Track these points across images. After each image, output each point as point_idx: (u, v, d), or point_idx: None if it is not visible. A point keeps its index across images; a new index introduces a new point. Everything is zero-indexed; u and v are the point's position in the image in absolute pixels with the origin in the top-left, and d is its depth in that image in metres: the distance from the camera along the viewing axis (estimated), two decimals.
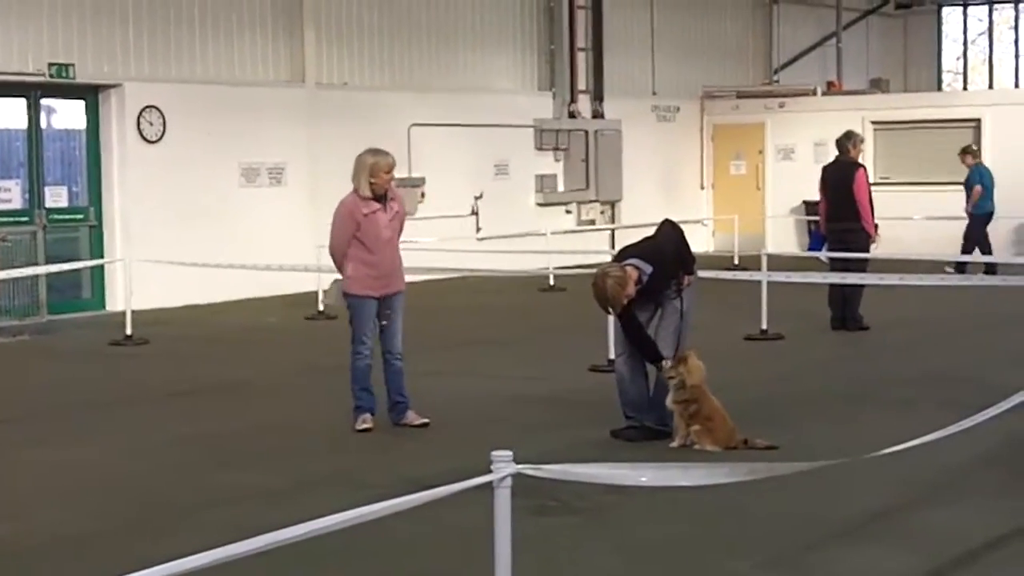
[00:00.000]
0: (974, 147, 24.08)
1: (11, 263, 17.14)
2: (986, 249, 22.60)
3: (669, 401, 10.09)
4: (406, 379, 11.17)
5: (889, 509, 8.30)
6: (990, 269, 21.59)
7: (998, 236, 24.54)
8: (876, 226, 16.54)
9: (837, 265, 16.51)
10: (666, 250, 10.41)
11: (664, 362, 10.16)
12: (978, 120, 27.79)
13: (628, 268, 10.14)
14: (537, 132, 26.10)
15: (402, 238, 11.33)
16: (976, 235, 22.88)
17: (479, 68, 25.35)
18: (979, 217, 23.08)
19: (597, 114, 27.25)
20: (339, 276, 11.22)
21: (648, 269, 10.16)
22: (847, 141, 16.79)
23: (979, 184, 23.13)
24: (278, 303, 20.02)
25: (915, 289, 17.26)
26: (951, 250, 22.55)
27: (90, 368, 14.96)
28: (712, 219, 29.25)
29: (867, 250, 16.46)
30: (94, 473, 9.79)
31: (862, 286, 16.12)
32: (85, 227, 19.70)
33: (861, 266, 16.30)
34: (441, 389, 12.70)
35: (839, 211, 16.45)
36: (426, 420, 11.04)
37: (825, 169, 17.06)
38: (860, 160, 16.94)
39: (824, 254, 17.31)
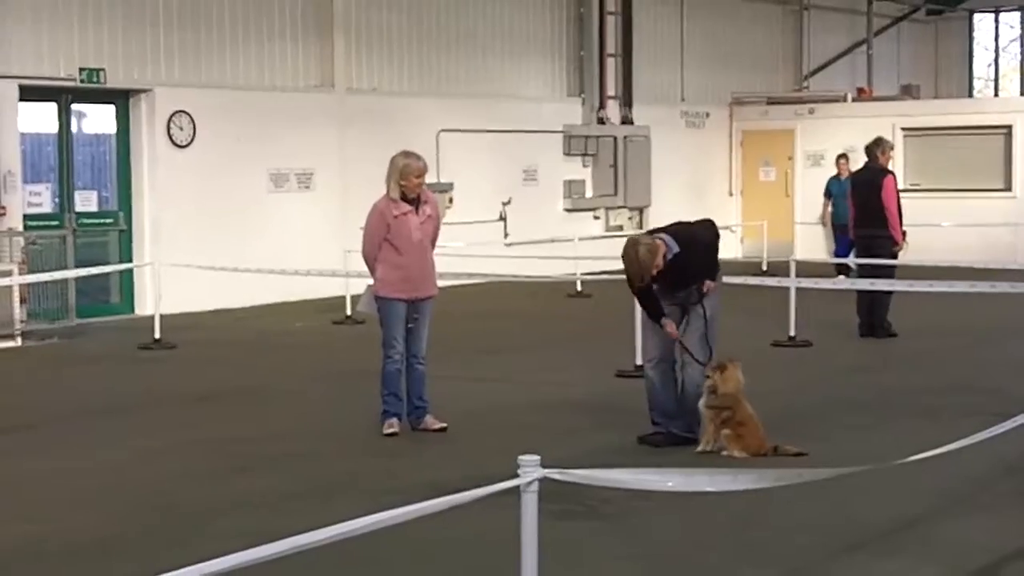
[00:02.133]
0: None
1: (41, 267, 17.19)
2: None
3: (701, 404, 10.09)
4: (431, 384, 11.19)
5: (914, 518, 8.26)
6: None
7: None
8: (904, 233, 16.47)
9: (865, 271, 16.45)
10: (698, 240, 10.41)
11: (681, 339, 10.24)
12: (1009, 127, 27.68)
13: (657, 240, 10.17)
14: (566, 138, 26.10)
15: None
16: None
17: (508, 74, 25.36)
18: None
19: (626, 120, 27.23)
20: (371, 281, 11.20)
21: (675, 248, 10.18)
22: (876, 148, 16.73)
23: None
24: (306, 308, 20.06)
25: (944, 296, 17.14)
26: (981, 257, 22.43)
27: (118, 372, 15.01)
28: (741, 225, 29.19)
29: (894, 257, 16.40)
30: (118, 477, 9.81)
31: (890, 293, 16.07)
32: (115, 231, 19.77)
33: (888, 273, 16.23)
34: (467, 394, 12.72)
35: (867, 217, 16.40)
36: (444, 425, 11.05)
37: (854, 175, 17.01)
38: (889, 167, 16.86)
39: (852, 260, 17.24)
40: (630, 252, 10.11)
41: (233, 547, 4.43)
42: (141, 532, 8.22)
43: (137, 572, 7.22)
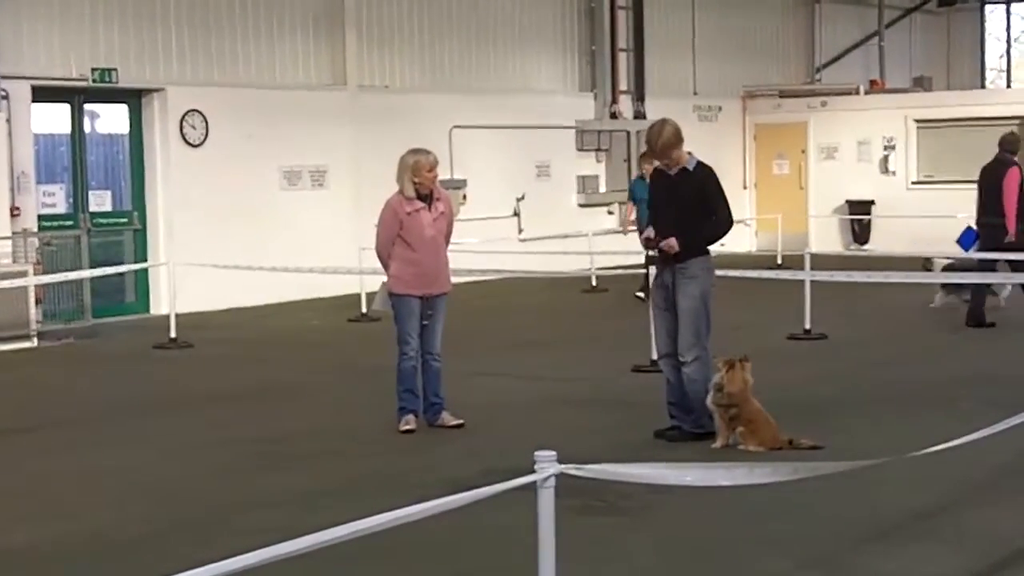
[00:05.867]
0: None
1: (56, 267, 17.22)
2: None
3: (709, 401, 10.10)
4: (447, 380, 11.19)
5: (932, 509, 8.25)
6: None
7: None
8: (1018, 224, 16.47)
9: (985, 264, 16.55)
10: (713, 186, 10.72)
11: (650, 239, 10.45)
12: (1022, 118, 27.59)
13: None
14: (578, 133, 26.10)
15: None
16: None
17: (520, 69, 25.35)
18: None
19: (638, 114, 27.19)
20: (385, 279, 11.20)
21: (694, 162, 10.72)
22: (1017, 141, 16.88)
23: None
24: (321, 306, 20.08)
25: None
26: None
27: (135, 371, 15.03)
28: (755, 219, 29.15)
29: (1006, 246, 16.29)
30: (139, 476, 9.84)
31: (988, 285, 16.20)
32: (129, 231, 19.82)
33: (989, 266, 16.41)
34: (483, 390, 12.72)
35: (985, 206, 16.56)
36: (461, 421, 11.05)
37: (984, 168, 17.02)
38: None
39: (973, 254, 17.16)
40: (664, 122, 10.80)
41: (256, 544, 4.43)
42: (166, 529, 8.24)
43: (164, 569, 7.20)
